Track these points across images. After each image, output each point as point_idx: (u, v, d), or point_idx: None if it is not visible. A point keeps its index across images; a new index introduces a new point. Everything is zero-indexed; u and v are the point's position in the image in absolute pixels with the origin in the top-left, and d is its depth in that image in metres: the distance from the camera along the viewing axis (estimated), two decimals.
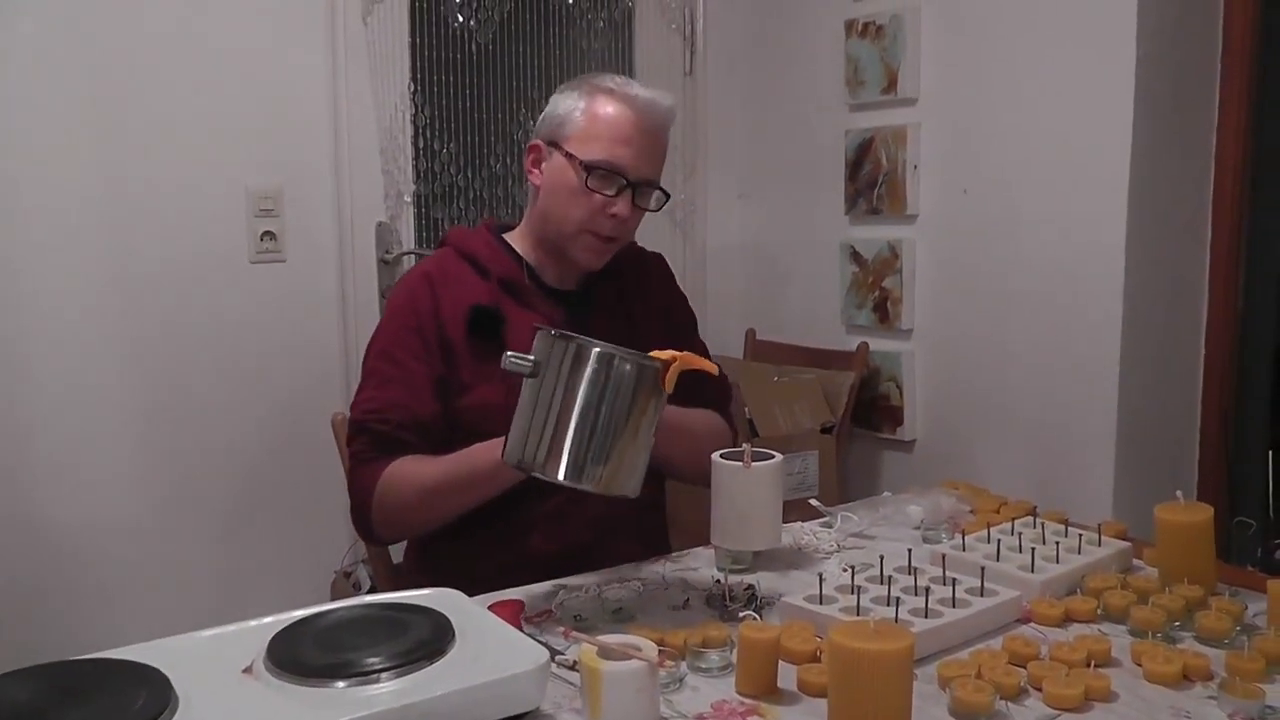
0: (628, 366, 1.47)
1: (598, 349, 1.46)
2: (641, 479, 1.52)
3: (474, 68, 3.36)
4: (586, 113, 1.86)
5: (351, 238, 3.14)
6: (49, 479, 2.76)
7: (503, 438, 1.63)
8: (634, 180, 1.85)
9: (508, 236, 2.00)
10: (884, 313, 3.42)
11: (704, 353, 2.15)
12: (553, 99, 1.94)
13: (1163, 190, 2.86)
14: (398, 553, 2.17)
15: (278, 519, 3.07)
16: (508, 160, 3.45)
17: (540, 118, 1.95)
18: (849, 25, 3.44)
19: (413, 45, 3.23)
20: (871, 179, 3.40)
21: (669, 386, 1.52)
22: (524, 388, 1.51)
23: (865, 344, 3.46)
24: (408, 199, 3.26)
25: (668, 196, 1.94)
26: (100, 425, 2.81)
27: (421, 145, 3.29)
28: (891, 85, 3.32)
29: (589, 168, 1.83)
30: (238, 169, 2.94)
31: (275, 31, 2.97)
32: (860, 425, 3.50)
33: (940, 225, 3.28)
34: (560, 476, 1.45)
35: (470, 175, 3.39)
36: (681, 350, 2.09)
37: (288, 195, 3.02)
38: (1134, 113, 2.77)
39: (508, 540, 1.84)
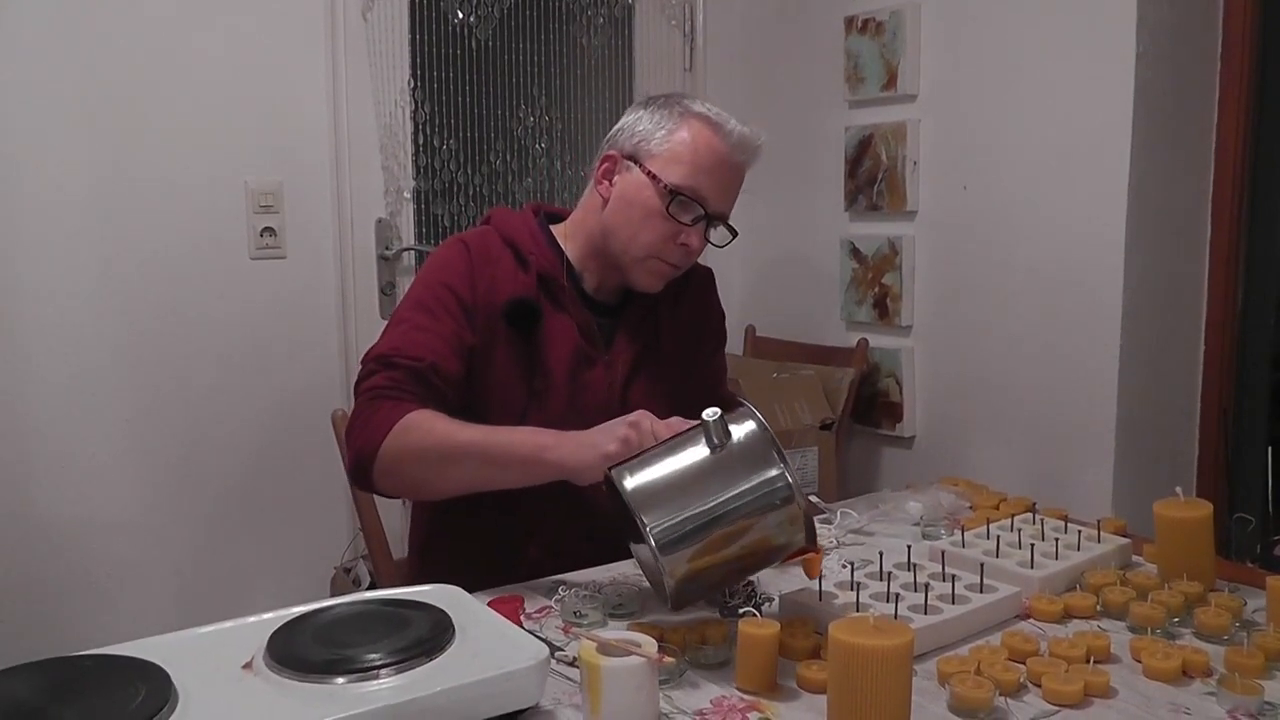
0: (799, 536, 1.41)
1: (797, 503, 1.39)
2: (684, 605, 1.45)
3: (474, 64, 3.36)
4: (676, 135, 1.80)
5: (351, 234, 3.15)
6: (48, 475, 2.77)
7: (548, 429, 1.61)
8: (712, 213, 1.81)
9: (554, 229, 1.94)
10: (884, 309, 3.41)
11: (721, 373, 2.13)
12: (636, 112, 1.87)
13: (1162, 187, 2.86)
14: (398, 548, 2.17)
15: (278, 515, 3.07)
16: (508, 157, 3.45)
17: (617, 128, 1.88)
18: (849, 21, 3.44)
19: (413, 41, 3.23)
20: (871, 175, 3.40)
21: (786, 563, 1.48)
22: (692, 439, 1.43)
23: (865, 340, 3.46)
24: (407, 195, 3.26)
25: (734, 235, 1.89)
26: (99, 421, 2.82)
27: (421, 141, 3.29)
28: (891, 82, 3.31)
29: (673, 192, 1.78)
30: (238, 165, 2.95)
31: (275, 28, 2.97)
32: (860, 422, 3.50)
33: (940, 222, 3.28)
34: (653, 540, 1.34)
35: (470, 172, 3.39)
36: (714, 362, 2.09)
37: (288, 191, 3.02)
38: (1133, 110, 2.77)
39: (509, 548, 1.82)
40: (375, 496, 2.18)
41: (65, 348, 2.76)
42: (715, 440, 1.41)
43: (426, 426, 1.65)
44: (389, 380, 1.71)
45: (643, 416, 1.53)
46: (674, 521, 1.35)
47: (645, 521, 1.35)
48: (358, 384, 1.76)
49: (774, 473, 1.39)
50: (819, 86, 3.58)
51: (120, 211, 2.80)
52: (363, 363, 1.77)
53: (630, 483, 1.39)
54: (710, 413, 1.41)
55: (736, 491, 1.38)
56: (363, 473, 1.71)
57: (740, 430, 1.42)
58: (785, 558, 1.44)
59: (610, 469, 1.43)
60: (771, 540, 1.40)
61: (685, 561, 1.35)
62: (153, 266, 2.85)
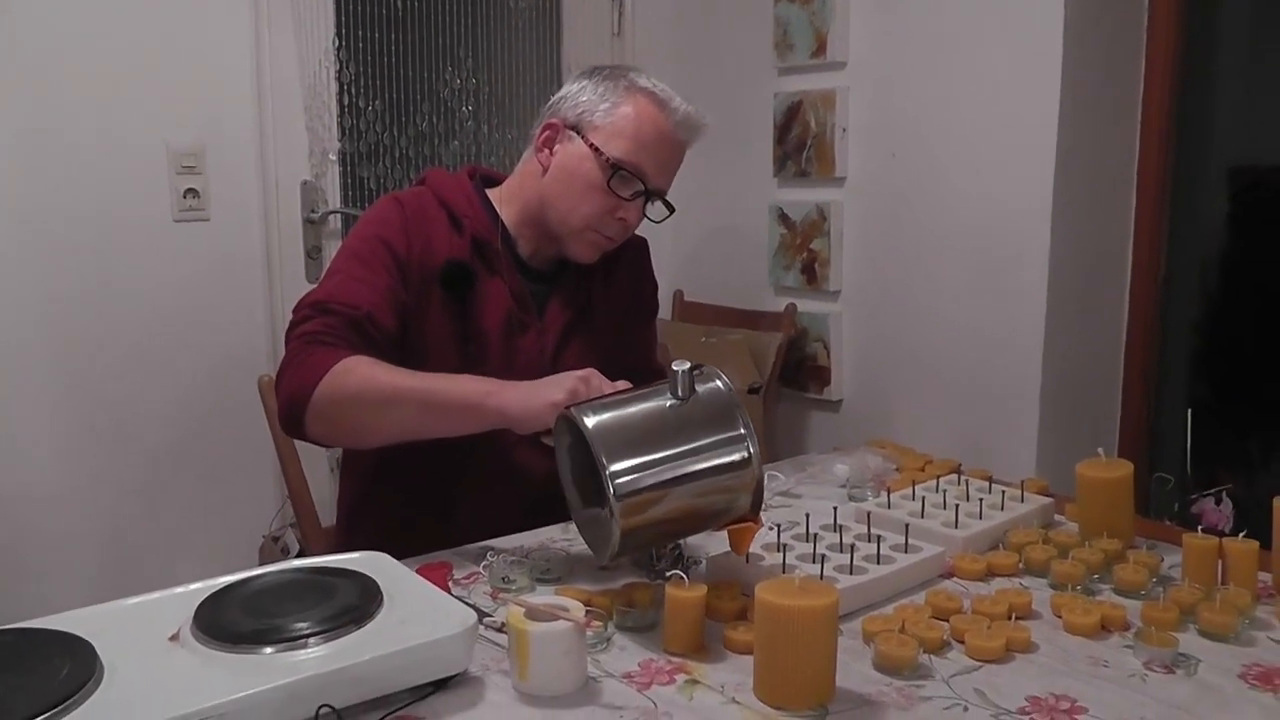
0: (745, 501, 1.41)
1: (753, 468, 1.39)
2: (620, 557, 1.43)
3: (399, 24, 3.33)
4: (621, 108, 1.79)
5: (276, 196, 3.11)
6: None
7: (490, 379, 1.59)
8: (651, 189, 1.82)
9: (490, 193, 1.93)
10: (811, 274, 3.44)
11: (652, 343, 2.13)
12: (580, 82, 1.85)
13: (1089, 156, 2.90)
14: (326, 515, 2.17)
15: (204, 484, 3.04)
16: (434, 119, 3.43)
17: (560, 96, 1.87)
18: None
19: (337, 0, 3.19)
20: (800, 142, 3.42)
21: (723, 529, 1.47)
22: (655, 391, 1.43)
23: (793, 305, 3.49)
24: (333, 157, 3.22)
25: (671, 210, 1.89)
26: (19, 391, 2.77)
27: (346, 103, 3.25)
28: (821, 49, 3.33)
29: (615, 166, 1.78)
30: (159, 126, 2.89)
31: None
32: (788, 385, 3.53)
33: (868, 188, 3.31)
34: (610, 483, 1.32)
35: (396, 133, 3.36)
36: (646, 332, 2.09)
37: (210, 153, 2.98)
38: (1061, 80, 2.80)
39: (437, 514, 1.82)
40: (303, 465, 2.18)
41: None
42: (681, 393, 1.41)
43: (365, 371, 1.62)
44: (324, 326, 1.67)
45: (593, 373, 1.53)
46: (631, 464, 1.34)
47: (605, 463, 1.33)
48: (290, 329, 1.72)
49: (736, 433, 1.40)
50: (748, 53, 3.58)
51: (38, 174, 2.74)
52: (296, 310, 1.73)
53: (591, 421, 1.37)
54: (680, 363, 1.41)
55: (697, 446, 1.38)
56: (294, 418, 1.67)
57: (705, 388, 1.43)
58: (726, 523, 1.45)
59: (569, 408, 1.41)
60: (721, 501, 1.41)
61: (637, 510, 1.34)
62: (73, 230, 2.79)
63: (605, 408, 1.41)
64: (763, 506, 1.46)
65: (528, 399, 1.52)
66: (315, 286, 1.77)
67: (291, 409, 1.66)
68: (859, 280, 3.37)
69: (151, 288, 2.92)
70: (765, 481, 1.43)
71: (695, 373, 1.43)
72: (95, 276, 2.84)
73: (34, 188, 2.74)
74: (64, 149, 2.77)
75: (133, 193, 2.88)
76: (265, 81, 3.04)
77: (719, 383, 1.44)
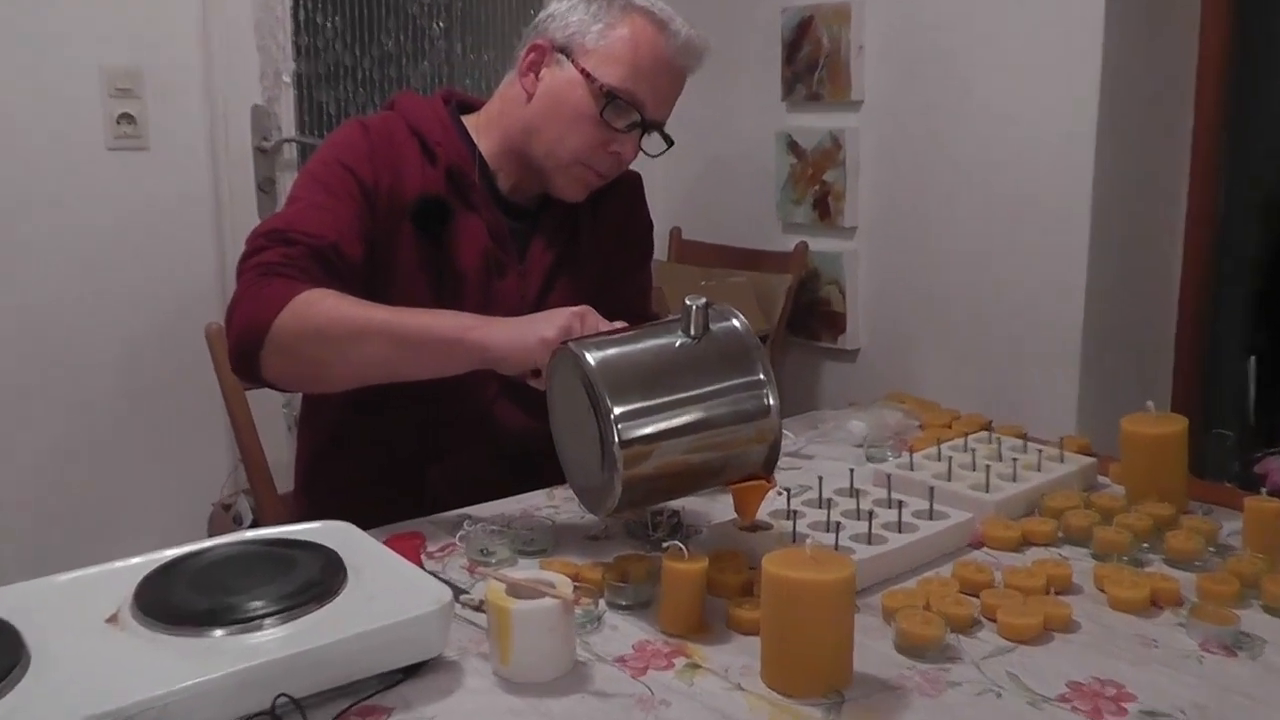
0: (759, 455, 1.41)
1: (772, 418, 1.38)
2: (619, 513, 1.43)
3: None
4: (616, 30, 1.77)
5: (224, 123, 3.10)
6: None
7: (471, 314, 1.58)
8: (648, 120, 1.81)
9: (466, 120, 1.92)
10: (825, 209, 3.43)
11: (646, 288, 2.12)
12: None
13: (1138, 71, 2.88)
14: (284, 481, 2.16)
15: (147, 445, 3.05)
16: (400, 37, 3.41)
17: (547, 14, 1.85)
18: None
19: None
20: (811, 62, 3.40)
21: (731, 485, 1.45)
22: (664, 328, 1.43)
23: (804, 243, 3.49)
24: (287, 79, 3.20)
25: (670, 144, 1.89)
26: None
27: (302, 18, 3.24)
28: None
29: (609, 95, 1.76)
30: (89, 43, 2.87)
31: None
32: (797, 333, 3.53)
33: (888, 111, 3.29)
34: (616, 427, 1.31)
35: (358, 53, 3.35)
36: (638, 276, 2.08)
37: (148, 74, 2.96)
38: None
39: (406, 478, 1.82)
40: (257, 424, 2.17)
41: None
42: (694, 331, 1.39)
43: (330, 303, 1.59)
44: (283, 257, 1.64)
45: (589, 311, 1.52)
46: (637, 407, 1.33)
47: (609, 405, 1.32)
48: (243, 260, 1.68)
49: (754, 379, 1.39)
50: None
51: None
52: (250, 240, 1.69)
53: (593, 358, 1.36)
54: (694, 298, 1.40)
55: (710, 390, 1.38)
56: (248, 356, 1.63)
57: (720, 327, 1.42)
58: (735, 479, 1.43)
59: (566, 343, 1.40)
60: (733, 455, 1.40)
61: (641, 459, 1.33)
62: None
63: (608, 344, 1.40)
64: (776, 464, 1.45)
65: (515, 334, 1.52)
66: (272, 215, 1.76)
67: (245, 346, 1.62)
68: (877, 216, 3.37)
69: (84, 224, 2.91)
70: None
71: (710, 310, 1.42)
72: (18, 210, 2.83)
73: None
74: None
75: (60, 118, 2.86)
76: None
77: (736, 322, 1.43)
